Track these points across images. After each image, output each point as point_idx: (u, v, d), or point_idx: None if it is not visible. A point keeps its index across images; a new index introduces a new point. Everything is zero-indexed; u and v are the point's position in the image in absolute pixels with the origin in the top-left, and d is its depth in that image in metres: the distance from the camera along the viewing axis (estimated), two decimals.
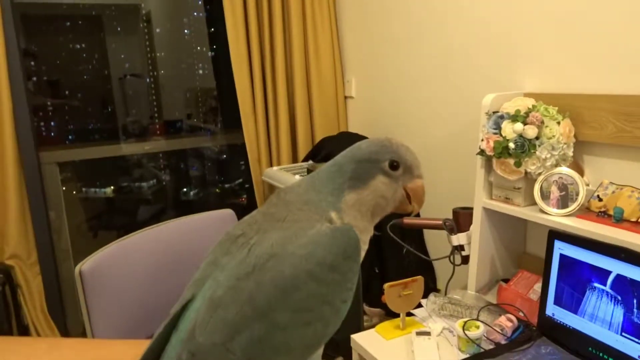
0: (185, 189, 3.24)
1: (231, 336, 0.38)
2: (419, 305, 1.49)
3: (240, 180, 3.17)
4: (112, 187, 3.03)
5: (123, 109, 3.06)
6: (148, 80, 3.08)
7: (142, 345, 0.39)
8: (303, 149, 2.51)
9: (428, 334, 1.36)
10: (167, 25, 3.14)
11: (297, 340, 0.38)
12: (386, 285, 1.41)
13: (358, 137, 2.32)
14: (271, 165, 2.51)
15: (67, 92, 2.92)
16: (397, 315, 1.44)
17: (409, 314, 1.47)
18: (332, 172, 0.43)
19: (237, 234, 0.44)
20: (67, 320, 2.48)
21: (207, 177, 3.32)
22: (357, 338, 1.40)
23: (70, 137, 2.95)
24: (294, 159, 2.54)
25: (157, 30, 3.07)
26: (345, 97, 2.63)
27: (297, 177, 2.10)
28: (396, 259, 2.04)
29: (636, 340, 1.12)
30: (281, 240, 0.39)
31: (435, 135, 2.07)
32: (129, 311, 1.05)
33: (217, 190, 3.31)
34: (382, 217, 0.43)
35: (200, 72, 3.22)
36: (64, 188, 2.59)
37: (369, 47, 2.43)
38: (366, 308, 2.06)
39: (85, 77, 2.97)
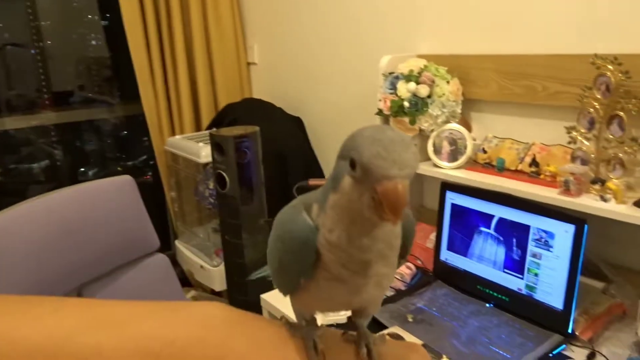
0: (83, 169, 3.04)
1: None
2: None
3: (145, 157, 3.03)
4: None
5: (5, 81, 2.78)
6: (33, 51, 2.82)
7: (146, 305, 0.39)
8: (206, 116, 2.45)
9: None
10: None
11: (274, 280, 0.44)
12: None
13: (262, 103, 2.31)
14: (174, 134, 2.43)
15: None
16: None
17: None
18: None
19: None
20: None
21: (108, 154, 3.13)
22: (267, 297, 1.43)
23: None
24: (198, 127, 2.48)
25: None
26: (249, 64, 2.60)
27: (201, 144, 2.06)
28: None
29: (516, 275, 1.25)
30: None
31: (339, 97, 2.11)
32: (17, 288, 0.98)
33: (119, 168, 3.15)
34: (371, 229, 0.33)
35: (93, 42, 3.00)
36: None
37: (271, 13, 2.40)
38: None
39: None
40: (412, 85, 1.44)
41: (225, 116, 2.27)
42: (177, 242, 2.45)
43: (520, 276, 1.24)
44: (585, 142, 1.22)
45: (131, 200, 1.14)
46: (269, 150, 1.89)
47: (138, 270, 1.16)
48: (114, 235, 1.10)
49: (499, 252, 1.29)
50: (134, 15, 2.29)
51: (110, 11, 2.80)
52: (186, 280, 2.61)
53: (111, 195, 1.12)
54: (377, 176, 0.30)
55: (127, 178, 1.16)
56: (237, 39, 2.53)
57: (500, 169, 1.38)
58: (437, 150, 1.48)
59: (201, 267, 2.18)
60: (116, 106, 2.98)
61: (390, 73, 1.54)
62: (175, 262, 2.47)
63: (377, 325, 1.20)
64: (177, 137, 2.31)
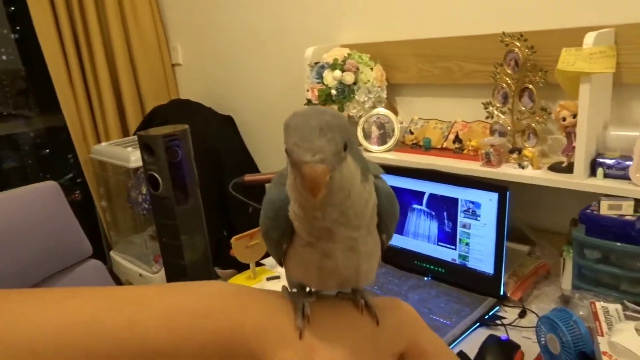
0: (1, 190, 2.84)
1: None
2: (267, 255, 1.55)
3: (71, 175, 2.89)
4: None
5: None
6: None
7: (157, 285, 0.39)
8: (133, 120, 2.38)
9: (278, 277, 1.43)
10: None
11: None
12: (233, 239, 1.43)
13: (191, 104, 2.28)
14: (99, 142, 2.35)
15: None
16: (248, 268, 1.48)
17: (259, 264, 1.52)
18: None
19: None
20: None
21: (29, 174, 2.95)
22: None
23: None
24: (126, 133, 2.41)
25: None
26: (173, 65, 2.55)
27: (130, 149, 2.00)
28: (242, 218, 2.07)
29: (449, 246, 1.31)
30: None
31: (268, 92, 2.12)
32: None
33: None
34: (313, 202, 0.35)
35: (4, 57, 2.82)
36: None
37: (192, 13, 2.37)
38: (219, 271, 2.08)
39: None
40: (337, 73, 1.47)
41: (153, 119, 2.22)
42: (112, 253, 2.36)
43: (453, 247, 1.30)
44: (501, 116, 1.30)
45: (57, 206, 1.10)
46: (201, 150, 1.87)
47: (72, 279, 1.11)
48: (43, 243, 1.05)
49: (432, 227, 1.35)
50: (46, 24, 2.19)
51: (20, 23, 2.65)
52: None
53: (36, 202, 1.07)
54: (297, 162, 0.33)
55: (51, 183, 1.11)
56: (159, 40, 2.47)
57: (427, 148, 1.44)
58: (367, 135, 1.52)
59: (140, 275, 2.12)
60: (35, 118, 2.82)
61: (316, 63, 1.57)
62: (112, 275, 2.39)
63: None
64: (103, 144, 2.23)
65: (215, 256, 1.87)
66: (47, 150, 2.89)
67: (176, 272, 1.64)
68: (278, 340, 0.37)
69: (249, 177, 1.80)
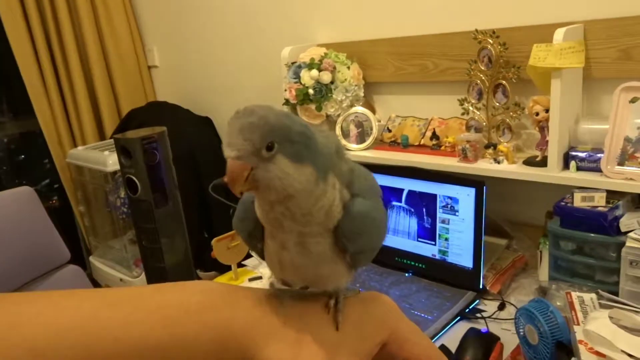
0: None
1: None
2: (249, 256, 1.54)
3: (48, 180, 2.83)
4: None
5: None
6: None
7: (149, 286, 0.41)
8: (110, 124, 2.35)
9: (260, 278, 1.43)
10: None
11: None
12: (214, 241, 1.43)
13: (168, 106, 2.26)
14: (75, 146, 2.31)
15: None
16: (230, 270, 1.47)
17: (240, 265, 1.51)
18: None
19: None
20: None
21: (4, 181, 2.88)
22: None
23: None
24: (102, 137, 2.38)
25: None
26: (149, 67, 2.52)
27: (107, 152, 1.97)
28: (223, 220, 2.06)
29: (429, 242, 1.33)
30: None
31: (245, 93, 2.11)
32: None
33: None
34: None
35: None
36: None
37: (167, 15, 2.35)
38: (201, 274, 2.07)
39: None
40: (314, 72, 1.48)
41: (130, 122, 2.20)
42: (91, 259, 2.33)
43: (433, 243, 1.32)
44: (477, 112, 1.31)
45: (33, 211, 1.08)
46: (180, 152, 1.86)
47: (50, 285, 1.10)
48: (19, 250, 1.04)
49: (412, 223, 1.36)
50: (18, 27, 2.15)
51: None
52: None
53: (10, 207, 1.05)
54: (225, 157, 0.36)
55: (26, 189, 1.09)
56: (134, 43, 2.45)
57: (405, 145, 1.45)
58: (346, 134, 1.53)
59: (121, 280, 2.10)
60: (8, 123, 2.76)
61: (293, 63, 1.57)
62: (92, 280, 2.36)
63: None
64: (80, 148, 2.19)
65: (196, 258, 1.86)
66: (23, 156, 2.83)
67: (157, 276, 1.63)
68: (267, 334, 0.38)
69: None
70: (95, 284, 2.40)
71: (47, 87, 2.26)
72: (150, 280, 1.72)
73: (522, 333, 0.99)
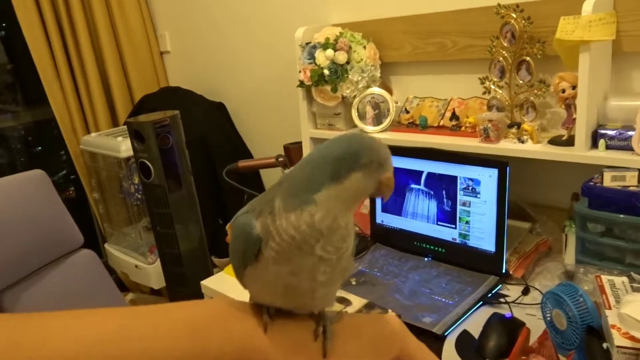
0: None
1: None
2: None
3: (64, 172, 2.84)
4: None
5: None
6: None
7: (167, 304, 0.42)
8: (123, 110, 2.34)
9: None
10: None
11: None
12: (228, 226, 1.40)
13: (181, 91, 2.24)
14: (89, 133, 2.30)
15: None
16: None
17: None
18: (308, 171, 0.43)
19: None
20: None
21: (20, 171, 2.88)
22: (207, 283, 1.38)
23: None
24: (115, 123, 2.36)
25: None
26: (162, 53, 2.50)
27: (120, 139, 1.96)
28: (237, 206, 2.04)
29: (449, 225, 1.29)
30: None
31: (259, 77, 2.08)
32: None
33: None
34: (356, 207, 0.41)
35: None
36: None
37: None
38: (216, 260, 2.05)
39: None
40: (330, 52, 1.44)
41: (143, 108, 2.18)
42: (106, 246, 2.33)
43: (453, 226, 1.28)
44: (499, 90, 1.27)
45: (45, 195, 1.06)
46: (193, 137, 1.83)
47: (63, 270, 1.08)
48: (31, 234, 1.02)
49: (431, 206, 1.32)
50: (29, 15, 2.14)
51: (3, 16, 2.58)
52: (122, 285, 2.50)
53: (22, 191, 1.03)
54: (386, 168, 0.44)
55: (38, 172, 1.07)
56: (146, 28, 2.42)
57: (423, 126, 1.41)
58: (362, 116, 1.49)
59: (136, 266, 2.09)
60: (21, 113, 2.76)
61: (307, 43, 1.53)
62: (108, 268, 2.36)
63: None
64: (93, 134, 2.18)
65: (211, 245, 1.85)
66: (39, 148, 2.84)
67: (172, 262, 1.61)
68: (291, 346, 0.41)
69: (242, 163, 1.77)
70: (111, 271, 2.40)
71: (59, 74, 2.25)
72: (166, 266, 1.70)
73: (549, 318, 0.95)
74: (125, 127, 2.02)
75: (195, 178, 1.69)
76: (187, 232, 1.62)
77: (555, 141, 1.16)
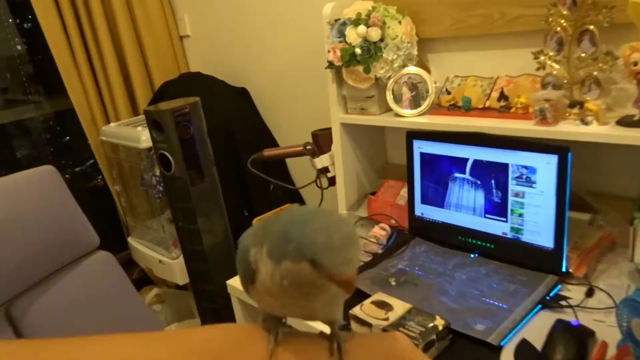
0: None
1: None
2: None
3: (92, 160, 2.79)
4: None
5: None
6: None
7: (174, 330, 0.45)
8: (143, 98, 2.25)
9: None
10: None
11: None
12: (255, 220, 1.30)
13: (202, 77, 2.13)
14: (109, 123, 2.22)
15: None
16: None
17: None
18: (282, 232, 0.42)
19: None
20: None
21: (51, 164, 2.83)
22: (233, 282, 1.29)
23: None
24: (135, 112, 2.28)
25: None
26: (181, 37, 2.39)
27: (140, 128, 1.87)
28: (263, 197, 1.94)
29: (499, 218, 1.16)
30: None
31: (284, 59, 1.96)
32: None
33: (66, 176, 2.88)
34: None
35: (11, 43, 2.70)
36: None
37: None
38: None
39: None
40: (361, 28, 1.31)
41: (163, 95, 2.09)
42: (130, 239, 2.26)
43: (504, 219, 1.15)
44: (555, 66, 1.12)
45: (56, 193, 0.97)
46: (215, 125, 1.73)
47: (77, 274, 0.99)
48: (42, 236, 0.93)
49: (478, 197, 1.19)
50: (45, 2, 2.05)
51: (18, 7, 2.52)
52: (147, 279, 2.44)
53: (31, 190, 0.94)
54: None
55: (48, 168, 0.98)
56: (164, 12, 2.32)
57: (467, 108, 1.27)
58: (397, 99, 1.36)
59: (160, 261, 2.02)
60: (43, 103, 2.71)
61: (336, 20, 1.40)
62: (131, 262, 2.29)
63: (359, 295, 1.08)
64: (112, 125, 2.10)
65: (236, 239, 1.75)
66: (68, 138, 2.79)
67: (196, 259, 1.52)
68: None
69: (268, 152, 1.66)
70: (133, 265, 2.34)
71: (77, 62, 2.17)
72: (189, 262, 1.62)
73: (626, 327, 0.82)
74: (144, 116, 1.93)
75: (218, 169, 1.59)
76: (210, 227, 1.52)
77: (624, 122, 1.01)
